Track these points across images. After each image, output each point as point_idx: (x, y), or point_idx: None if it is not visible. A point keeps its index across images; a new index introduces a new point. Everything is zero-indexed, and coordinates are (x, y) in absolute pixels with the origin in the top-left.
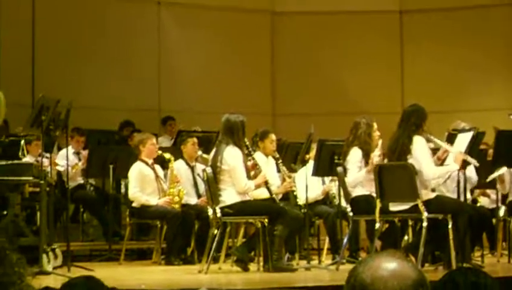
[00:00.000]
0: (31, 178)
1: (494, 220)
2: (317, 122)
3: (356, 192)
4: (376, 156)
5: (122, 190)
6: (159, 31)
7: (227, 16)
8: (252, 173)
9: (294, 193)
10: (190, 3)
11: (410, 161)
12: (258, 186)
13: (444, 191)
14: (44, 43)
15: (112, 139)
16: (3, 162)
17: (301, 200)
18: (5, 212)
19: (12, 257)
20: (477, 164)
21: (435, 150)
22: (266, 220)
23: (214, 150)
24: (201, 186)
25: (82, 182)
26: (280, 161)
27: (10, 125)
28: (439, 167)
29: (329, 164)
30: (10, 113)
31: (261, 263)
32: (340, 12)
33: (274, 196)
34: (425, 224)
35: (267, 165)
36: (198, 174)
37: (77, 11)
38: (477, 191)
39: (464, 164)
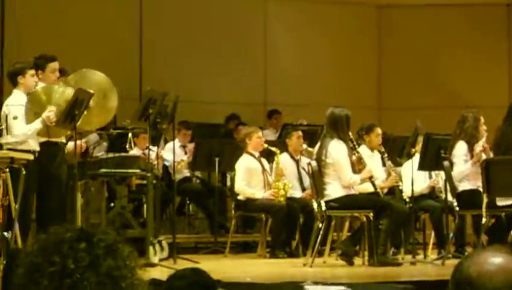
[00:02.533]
0: (138, 171)
1: None
2: (423, 116)
3: (462, 186)
4: (479, 148)
5: (228, 183)
6: (266, 26)
7: (333, 10)
8: (357, 167)
9: (400, 187)
10: None
11: None
12: (363, 181)
13: None
14: (151, 36)
15: (218, 133)
16: (111, 155)
17: (406, 194)
18: (112, 205)
19: (124, 250)
20: None
21: None
22: (371, 214)
23: (318, 144)
24: (306, 180)
25: (188, 174)
26: (385, 155)
27: (117, 118)
28: None
29: (435, 157)
30: (118, 106)
31: (366, 257)
32: (446, 5)
33: (379, 190)
34: None
35: (372, 159)
36: (303, 168)
37: (185, 5)
38: None
39: None
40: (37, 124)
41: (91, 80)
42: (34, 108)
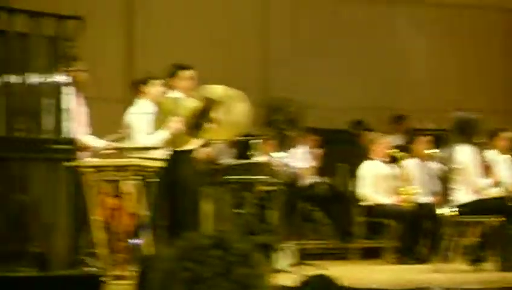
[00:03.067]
0: (265, 177)
1: None
2: None
3: None
4: None
5: (354, 189)
6: (393, 30)
7: (461, 13)
8: (486, 171)
9: None
10: (419, 1)
11: None
12: (491, 185)
13: None
14: (276, 43)
15: (343, 138)
16: (239, 162)
17: None
18: (240, 211)
19: (257, 259)
20: None
21: None
22: (502, 218)
23: (446, 149)
24: (434, 185)
25: (314, 180)
26: None
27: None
28: None
29: None
30: (248, 117)
31: (496, 263)
32: None
33: (508, 194)
34: None
35: (502, 163)
36: (430, 173)
37: (313, 10)
38: None
39: None
40: (165, 134)
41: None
42: (162, 117)
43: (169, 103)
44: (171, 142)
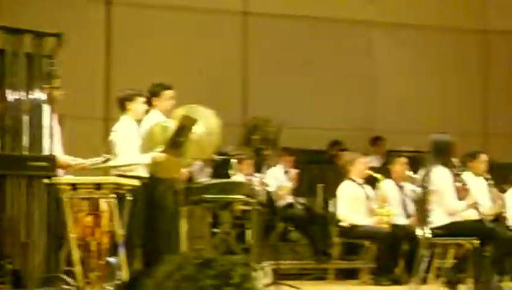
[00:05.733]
0: (241, 196)
1: None
2: None
3: None
4: None
5: (331, 209)
6: (369, 51)
7: (438, 35)
8: (461, 194)
9: (504, 215)
10: (400, 23)
11: None
12: (467, 208)
13: None
14: (255, 62)
15: (321, 159)
16: (215, 181)
17: (511, 221)
18: (216, 230)
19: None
20: None
21: None
22: (476, 241)
23: (422, 170)
24: (410, 207)
25: (291, 201)
26: (491, 181)
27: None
28: None
29: None
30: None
31: (471, 285)
32: None
33: (484, 217)
34: None
35: (477, 185)
36: (407, 195)
37: (288, 31)
38: None
39: None
40: (146, 159)
41: (199, 116)
42: (150, 144)
43: (159, 130)
44: (150, 169)
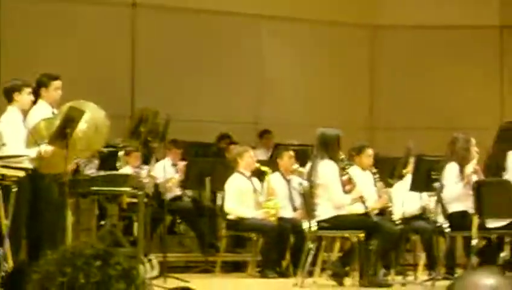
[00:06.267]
0: (129, 189)
1: None
2: (415, 137)
3: (453, 208)
4: (469, 169)
5: (219, 202)
6: (259, 45)
7: (326, 30)
8: (348, 187)
9: (390, 208)
10: (290, 17)
11: (505, 177)
12: (353, 201)
13: None
14: (144, 54)
15: (209, 152)
16: (102, 173)
17: (397, 216)
18: (102, 223)
19: (139, 278)
20: None
21: None
22: (362, 234)
23: (309, 164)
24: (297, 200)
25: (179, 193)
26: (377, 175)
27: (109, 136)
28: None
29: (426, 179)
30: (109, 124)
31: (357, 278)
32: (439, 26)
33: (369, 210)
34: None
35: (363, 179)
36: (294, 188)
37: (177, 24)
38: None
39: None
40: (32, 153)
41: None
42: (35, 138)
43: (45, 126)
44: (36, 163)
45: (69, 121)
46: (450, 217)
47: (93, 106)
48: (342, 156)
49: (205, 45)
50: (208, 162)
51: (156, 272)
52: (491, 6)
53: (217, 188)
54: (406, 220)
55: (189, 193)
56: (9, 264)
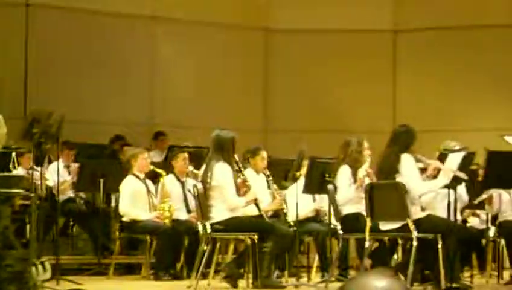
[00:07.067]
0: (21, 191)
1: (483, 241)
2: (308, 140)
3: (346, 210)
4: (362, 173)
5: (113, 204)
6: (153, 47)
7: (220, 33)
8: (242, 189)
9: (284, 210)
10: (184, 20)
11: (398, 179)
12: (247, 203)
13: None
14: (37, 55)
15: (103, 153)
16: None
17: (291, 218)
18: None
19: (30, 282)
20: (466, 177)
21: (424, 170)
22: (256, 236)
23: (204, 166)
24: (192, 202)
25: (72, 195)
26: (271, 178)
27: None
28: (428, 181)
29: (320, 181)
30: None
31: (250, 280)
32: (332, 30)
33: (264, 213)
34: (415, 243)
35: (258, 182)
36: (189, 190)
37: (71, 24)
38: (467, 211)
39: (454, 182)
40: None
41: None
42: None
43: None
44: None
45: None
46: (343, 219)
47: None
48: (237, 158)
49: (99, 45)
50: (102, 164)
51: (48, 275)
52: (384, 10)
53: (111, 190)
54: (300, 222)
55: (82, 195)
56: None
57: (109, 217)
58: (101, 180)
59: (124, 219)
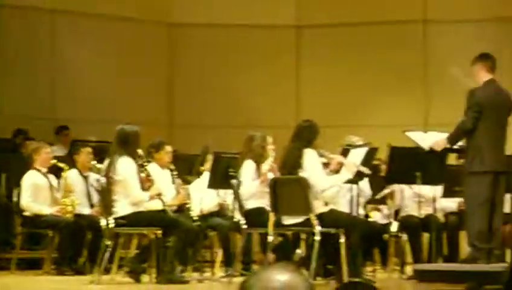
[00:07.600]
0: None
1: (386, 236)
2: (213, 135)
3: (250, 204)
4: (265, 168)
5: (14, 199)
6: (55, 39)
7: (124, 26)
8: (146, 184)
9: (188, 205)
10: (86, 13)
11: (301, 174)
12: (151, 198)
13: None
14: None
15: (5, 147)
16: None
17: (195, 212)
18: None
19: None
20: (369, 171)
21: (327, 165)
22: (159, 231)
23: (107, 160)
24: (95, 197)
25: None
26: (175, 172)
27: None
28: (331, 176)
29: (224, 176)
30: None
31: (154, 275)
32: (236, 25)
33: (167, 207)
34: (317, 238)
35: (162, 176)
36: (92, 184)
37: None
38: (369, 206)
39: (357, 177)
40: None
41: None
42: None
43: None
44: None
45: None
46: (246, 213)
47: None
48: (141, 153)
49: (7, 38)
50: (3, 158)
51: None
52: (287, 6)
53: (13, 185)
54: (204, 216)
55: None
56: None
57: (11, 211)
58: (3, 175)
59: (26, 213)
